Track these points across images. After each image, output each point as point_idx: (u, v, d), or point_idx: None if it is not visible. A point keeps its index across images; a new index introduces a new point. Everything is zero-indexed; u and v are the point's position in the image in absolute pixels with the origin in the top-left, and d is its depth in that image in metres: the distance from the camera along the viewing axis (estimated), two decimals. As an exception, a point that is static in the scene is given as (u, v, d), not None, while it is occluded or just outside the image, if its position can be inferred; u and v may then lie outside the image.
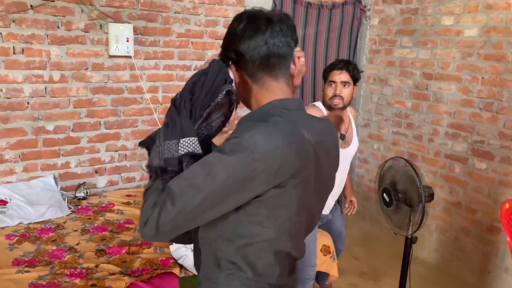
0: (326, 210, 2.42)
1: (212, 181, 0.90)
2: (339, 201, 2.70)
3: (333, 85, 2.19)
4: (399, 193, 2.31)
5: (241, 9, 3.14)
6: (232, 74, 1.05)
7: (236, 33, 1.01)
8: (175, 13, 2.92)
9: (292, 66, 1.06)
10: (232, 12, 3.14)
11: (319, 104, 2.28)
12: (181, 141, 0.99)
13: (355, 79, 2.21)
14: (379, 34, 3.72)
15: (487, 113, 2.93)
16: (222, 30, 3.12)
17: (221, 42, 1.08)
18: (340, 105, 2.19)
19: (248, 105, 1.09)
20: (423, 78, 3.36)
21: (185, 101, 1.02)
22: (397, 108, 3.60)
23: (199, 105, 1.02)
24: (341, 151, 2.28)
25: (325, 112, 2.23)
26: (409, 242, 2.39)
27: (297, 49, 1.07)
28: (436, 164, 3.29)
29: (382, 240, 3.67)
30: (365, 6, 3.75)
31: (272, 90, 1.03)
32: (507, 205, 2.23)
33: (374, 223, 3.86)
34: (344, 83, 2.17)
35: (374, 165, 3.83)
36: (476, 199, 3.03)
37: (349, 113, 2.38)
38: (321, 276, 2.56)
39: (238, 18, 1.03)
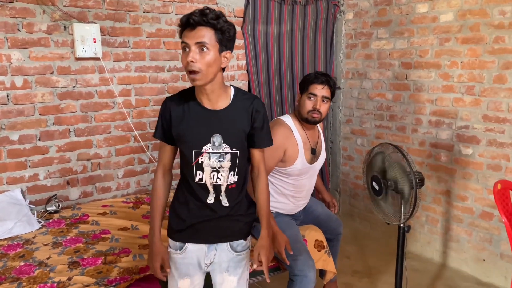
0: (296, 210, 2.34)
1: None
2: None
3: (313, 98, 2.14)
4: (388, 181, 2.22)
5: (213, 7, 3.07)
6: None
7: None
8: (144, 12, 2.80)
9: None
10: (204, 10, 3.03)
11: (287, 119, 2.21)
12: None
13: (333, 95, 2.21)
14: (354, 28, 3.68)
15: (469, 97, 2.89)
16: (194, 29, 3.01)
17: None
18: (318, 119, 2.17)
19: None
20: (402, 68, 3.32)
21: None
22: (378, 101, 3.54)
23: None
24: (311, 165, 2.21)
25: (294, 128, 2.19)
26: (403, 232, 2.29)
27: None
28: (422, 154, 3.23)
29: (373, 237, 3.57)
30: (338, 1, 3.71)
31: None
32: (499, 186, 2.16)
33: (363, 221, 3.76)
34: (324, 98, 2.15)
35: (359, 161, 3.74)
36: (465, 186, 2.97)
37: (319, 126, 2.35)
38: (323, 273, 2.43)
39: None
